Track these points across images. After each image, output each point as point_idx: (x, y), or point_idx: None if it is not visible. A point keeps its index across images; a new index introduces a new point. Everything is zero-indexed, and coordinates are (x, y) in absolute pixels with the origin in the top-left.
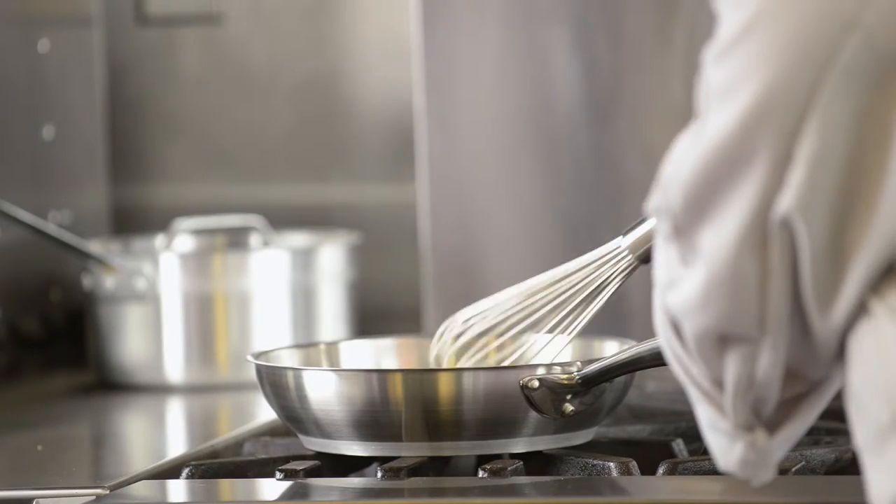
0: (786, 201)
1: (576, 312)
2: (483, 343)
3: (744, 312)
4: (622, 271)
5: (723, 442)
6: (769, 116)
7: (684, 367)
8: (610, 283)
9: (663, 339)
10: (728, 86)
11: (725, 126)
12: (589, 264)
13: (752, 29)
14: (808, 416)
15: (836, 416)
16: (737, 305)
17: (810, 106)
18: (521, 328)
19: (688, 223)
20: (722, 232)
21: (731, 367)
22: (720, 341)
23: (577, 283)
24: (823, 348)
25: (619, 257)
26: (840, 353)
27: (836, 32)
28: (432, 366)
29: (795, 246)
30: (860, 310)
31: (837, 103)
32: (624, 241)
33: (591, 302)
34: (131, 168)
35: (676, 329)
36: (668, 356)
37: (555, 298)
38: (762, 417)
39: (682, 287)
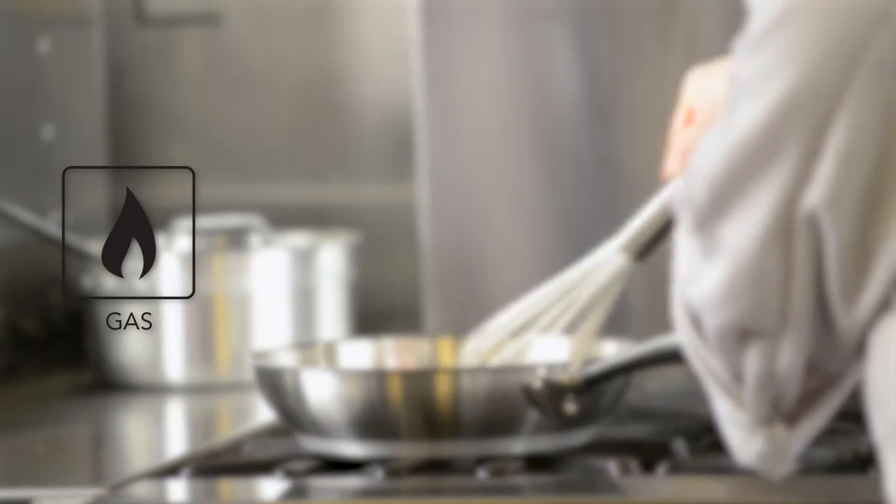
0: (813, 196)
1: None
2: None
3: (766, 307)
4: (620, 276)
5: (741, 436)
6: (798, 110)
7: (704, 361)
8: (605, 293)
9: (682, 333)
10: (757, 79)
11: (753, 119)
12: (585, 275)
13: (783, 22)
14: (827, 409)
15: (837, 416)
16: (759, 300)
17: (840, 100)
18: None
19: (711, 216)
20: (746, 225)
21: (752, 361)
22: (741, 336)
23: (575, 297)
24: (845, 342)
25: (615, 262)
26: (860, 347)
27: (867, 26)
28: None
29: (820, 241)
30: (883, 305)
31: (867, 97)
32: (616, 243)
33: (593, 312)
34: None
35: (696, 323)
36: (687, 350)
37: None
38: (781, 411)
39: (703, 281)
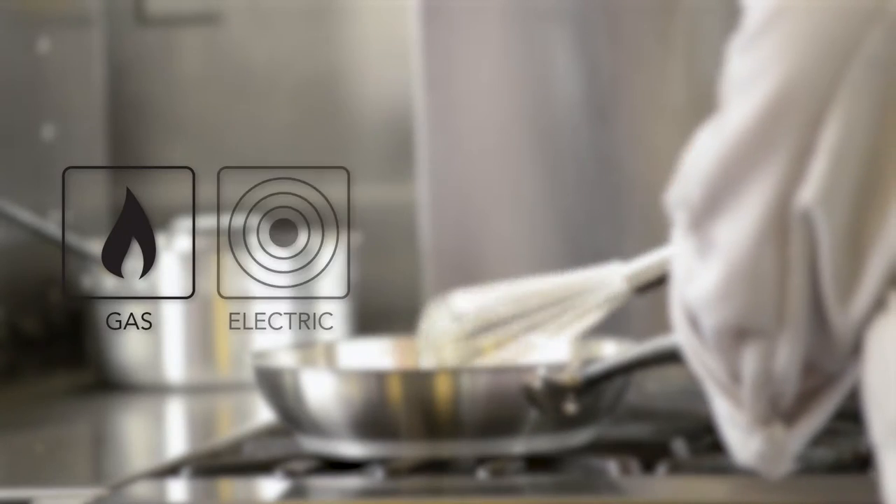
0: (807, 194)
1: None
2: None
3: (762, 306)
4: (616, 301)
5: (740, 436)
6: (790, 107)
7: (702, 361)
8: (597, 308)
9: (680, 334)
10: (750, 77)
11: (746, 117)
12: (583, 288)
13: (776, 21)
14: (825, 409)
15: (835, 416)
16: (755, 299)
17: (833, 97)
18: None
19: (706, 215)
20: (740, 224)
21: (749, 361)
22: (738, 335)
23: (568, 306)
24: (841, 341)
25: (615, 287)
26: (857, 346)
27: (859, 23)
28: (426, 351)
29: (815, 238)
30: (878, 304)
31: (860, 94)
32: (623, 270)
33: (570, 325)
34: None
35: (693, 323)
36: (685, 350)
37: (542, 316)
38: (779, 410)
39: (699, 281)
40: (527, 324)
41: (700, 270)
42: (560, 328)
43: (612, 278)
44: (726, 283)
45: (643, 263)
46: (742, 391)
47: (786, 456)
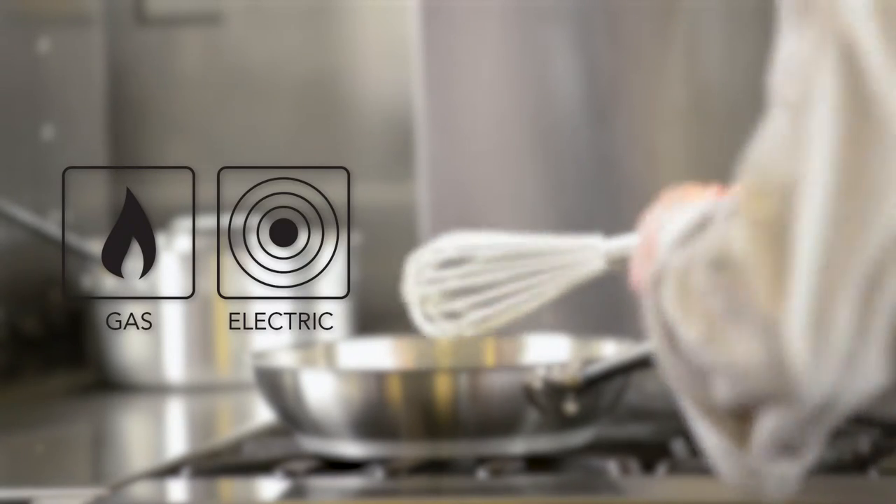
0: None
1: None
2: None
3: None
4: (591, 276)
5: (741, 469)
6: None
7: (692, 392)
8: (572, 278)
9: (670, 372)
10: None
11: None
12: (560, 252)
13: None
14: (827, 432)
15: None
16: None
17: None
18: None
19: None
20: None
21: (770, 422)
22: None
23: (543, 280)
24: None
25: (593, 264)
26: None
27: None
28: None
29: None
30: None
31: None
32: (602, 247)
33: (542, 289)
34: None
35: (684, 356)
36: (676, 387)
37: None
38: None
39: (730, 349)
40: (504, 276)
41: (733, 336)
42: (533, 289)
43: (590, 252)
44: (777, 365)
45: (623, 242)
46: (754, 443)
47: (794, 484)
